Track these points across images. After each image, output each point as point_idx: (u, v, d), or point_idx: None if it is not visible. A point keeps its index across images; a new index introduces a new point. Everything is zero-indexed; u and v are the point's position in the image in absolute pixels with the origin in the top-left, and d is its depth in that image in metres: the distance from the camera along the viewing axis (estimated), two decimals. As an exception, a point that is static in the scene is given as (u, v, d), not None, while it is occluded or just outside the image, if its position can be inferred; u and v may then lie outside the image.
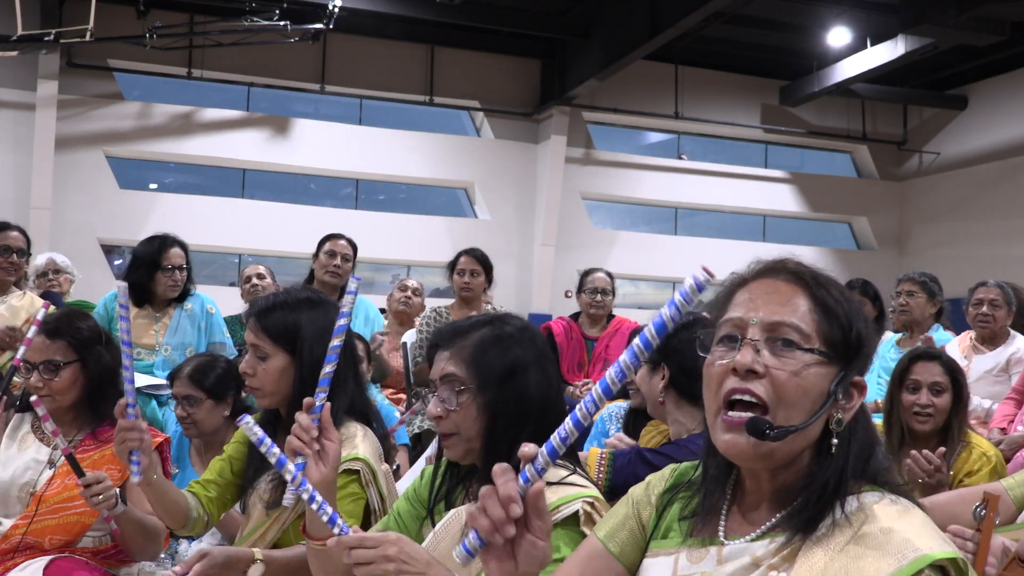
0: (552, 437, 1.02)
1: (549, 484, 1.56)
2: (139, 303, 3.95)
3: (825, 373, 1.14)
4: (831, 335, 1.15)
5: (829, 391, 1.14)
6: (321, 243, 4.66)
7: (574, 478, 1.60)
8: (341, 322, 1.61)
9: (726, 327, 1.20)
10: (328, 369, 1.62)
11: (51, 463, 2.43)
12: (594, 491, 1.59)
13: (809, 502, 1.13)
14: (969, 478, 2.75)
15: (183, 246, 4.05)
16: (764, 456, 1.14)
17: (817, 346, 1.14)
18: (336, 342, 1.64)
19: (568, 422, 1.04)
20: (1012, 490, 2.40)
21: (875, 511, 1.11)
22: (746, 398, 1.14)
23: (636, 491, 1.35)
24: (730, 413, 1.15)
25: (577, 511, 1.53)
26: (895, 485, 1.17)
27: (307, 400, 1.60)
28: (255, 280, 4.92)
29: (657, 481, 1.34)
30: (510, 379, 1.62)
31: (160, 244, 3.97)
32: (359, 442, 2.06)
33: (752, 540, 1.16)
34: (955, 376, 2.89)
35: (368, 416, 2.16)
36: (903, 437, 2.90)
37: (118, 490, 2.23)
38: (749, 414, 1.13)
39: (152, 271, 3.94)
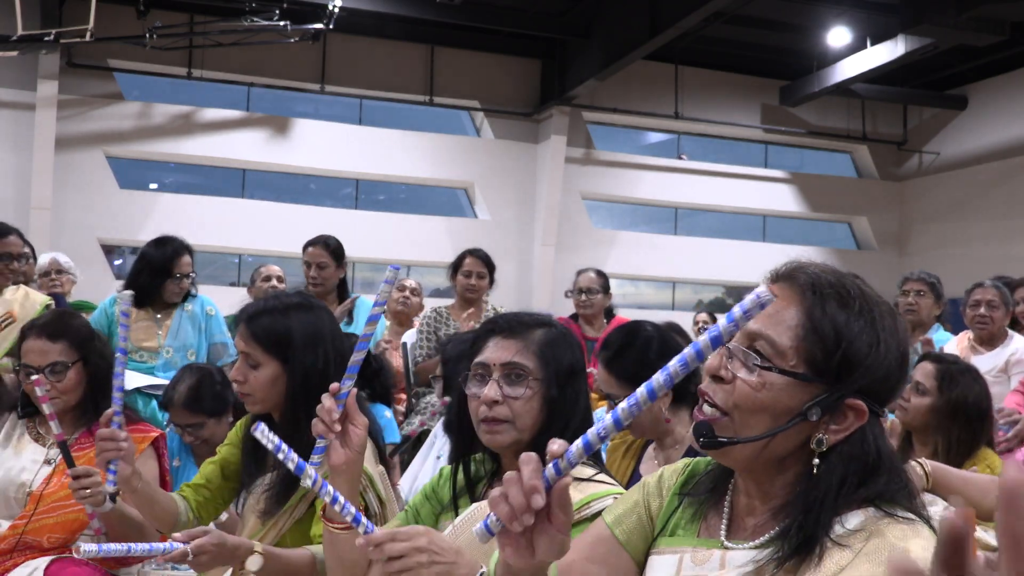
0: (590, 432, 1.01)
1: (577, 480, 1.58)
2: (140, 304, 3.94)
3: (796, 391, 1.11)
4: (811, 353, 1.12)
5: (802, 410, 1.11)
6: (303, 251, 4.54)
7: (602, 476, 1.62)
8: (375, 310, 1.57)
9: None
10: (357, 357, 1.58)
11: (48, 462, 2.44)
12: (621, 490, 1.61)
13: (798, 522, 1.10)
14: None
15: (191, 252, 4.05)
16: (720, 456, 1.17)
17: (791, 364, 1.12)
18: (368, 330, 1.59)
19: (609, 418, 1.02)
20: None
21: (881, 528, 1.08)
22: (707, 399, 1.16)
23: (650, 480, 1.35)
24: (696, 410, 1.18)
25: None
26: (911, 505, 1.12)
27: (333, 385, 1.58)
28: (275, 282, 4.92)
29: (670, 474, 1.34)
30: (572, 380, 1.66)
31: (173, 252, 3.95)
32: None
33: (754, 547, 1.15)
34: (943, 384, 2.82)
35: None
36: (908, 434, 2.91)
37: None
38: (712, 412, 1.15)
39: (163, 278, 3.93)
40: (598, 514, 1.49)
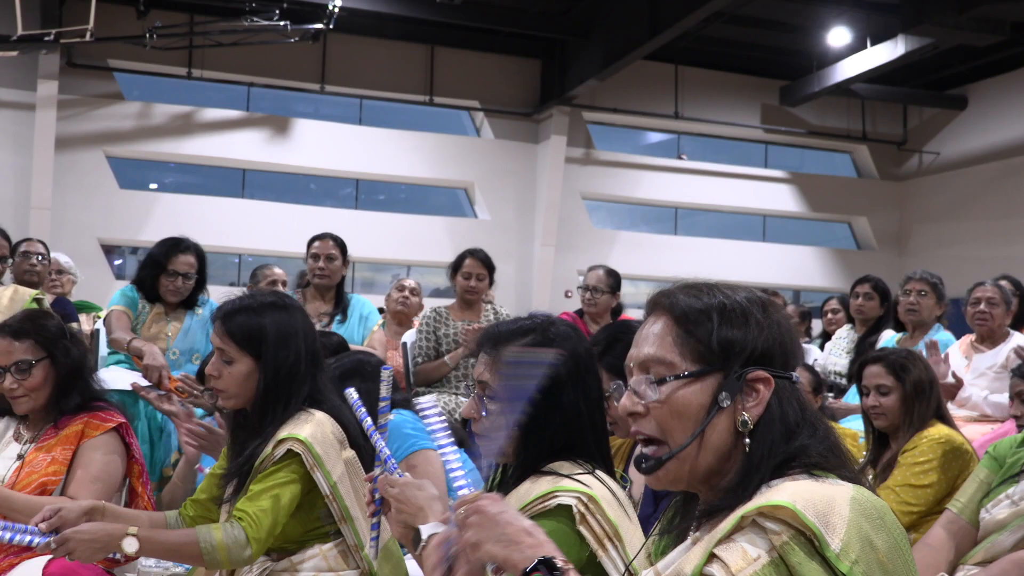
0: None
1: (558, 475, 1.61)
2: (151, 300, 3.94)
3: (700, 388, 1.20)
4: (696, 351, 1.21)
5: (714, 401, 1.19)
6: (308, 246, 4.64)
7: (586, 478, 1.62)
8: (382, 404, 1.72)
9: (627, 372, 1.29)
10: (382, 450, 1.72)
11: (20, 457, 2.48)
12: (595, 492, 1.59)
13: (731, 491, 1.17)
14: (904, 454, 2.91)
15: (198, 255, 3.98)
16: (675, 481, 1.22)
17: (683, 368, 1.20)
18: (382, 420, 1.74)
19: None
20: (963, 512, 2.45)
21: (784, 483, 1.14)
22: (641, 436, 1.24)
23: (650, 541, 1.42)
24: (637, 451, 1.25)
25: (571, 507, 1.55)
26: (832, 465, 1.18)
27: (367, 476, 1.76)
28: (280, 287, 4.94)
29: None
30: (542, 395, 1.60)
31: (170, 248, 3.93)
32: (305, 425, 2.08)
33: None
34: (899, 374, 3.00)
35: (331, 409, 2.16)
36: (878, 437, 3.08)
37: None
38: (651, 448, 1.22)
39: (157, 272, 3.91)
40: (560, 507, 1.55)
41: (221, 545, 1.97)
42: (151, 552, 2.00)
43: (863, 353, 4.66)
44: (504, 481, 1.73)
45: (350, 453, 2.15)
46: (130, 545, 1.91)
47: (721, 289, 1.26)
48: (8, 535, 1.98)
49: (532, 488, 1.61)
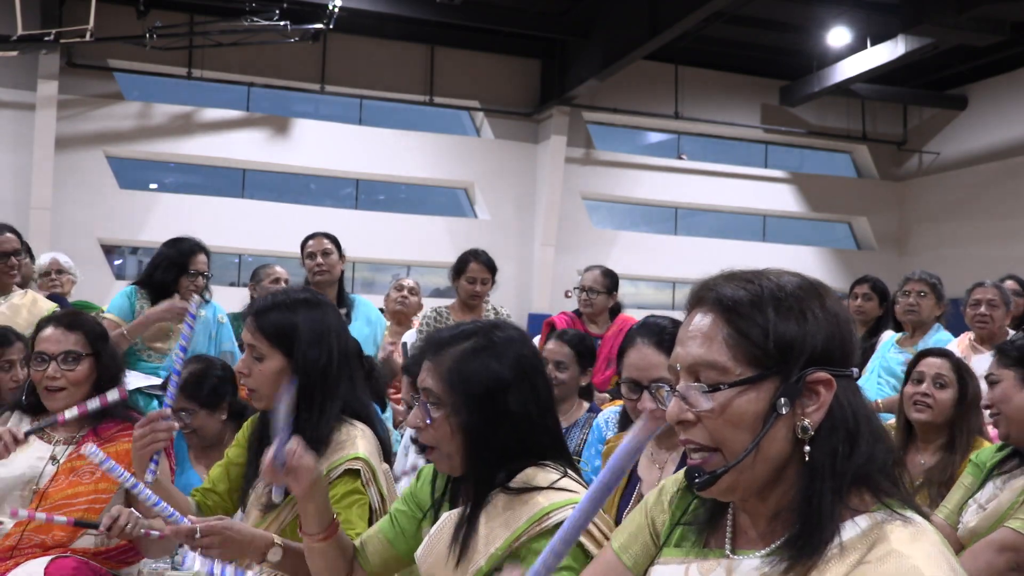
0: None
1: (540, 489, 1.56)
2: (155, 302, 3.96)
3: (757, 395, 1.10)
4: (751, 354, 1.10)
5: (771, 408, 1.09)
6: (302, 248, 4.63)
7: (565, 482, 1.58)
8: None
9: (671, 372, 1.19)
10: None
11: (53, 459, 2.44)
12: (580, 498, 1.58)
13: (806, 524, 1.08)
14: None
15: (207, 253, 4.07)
16: (727, 491, 1.13)
17: (738, 375, 1.10)
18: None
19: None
20: (949, 519, 2.45)
21: (886, 532, 1.05)
22: (691, 447, 1.14)
23: (650, 498, 1.33)
24: (687, 460, 1.16)
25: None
26: (903, 496, 1.11)
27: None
28: (283, 285, 4.93)
29: (671, 485, 1.33)
30: (488, 399, 1.57)
31: (189, 249, 3.99)
32: (359, 441, 2.05)
33: (761, 557, 1.13)
34: (963, 375, 2.89)
35: (364, 417, 2.14)
36: (908, 433, 2.93)
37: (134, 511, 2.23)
38: (702, 456, 1.13)
39: (177, 274, 3.96)
40: (558, 525, 1.46)
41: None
42: (287, 563, 1.90)
43: (864, 355, 4.67)
44: (455, 497, 1.69)
45: (385, 466, 2.13)
46: (275, 555, 1.84)
47: (769, 276, 1.16)
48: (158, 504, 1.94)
49: (519, 510, 1.55)
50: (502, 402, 1.58)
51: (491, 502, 1.58)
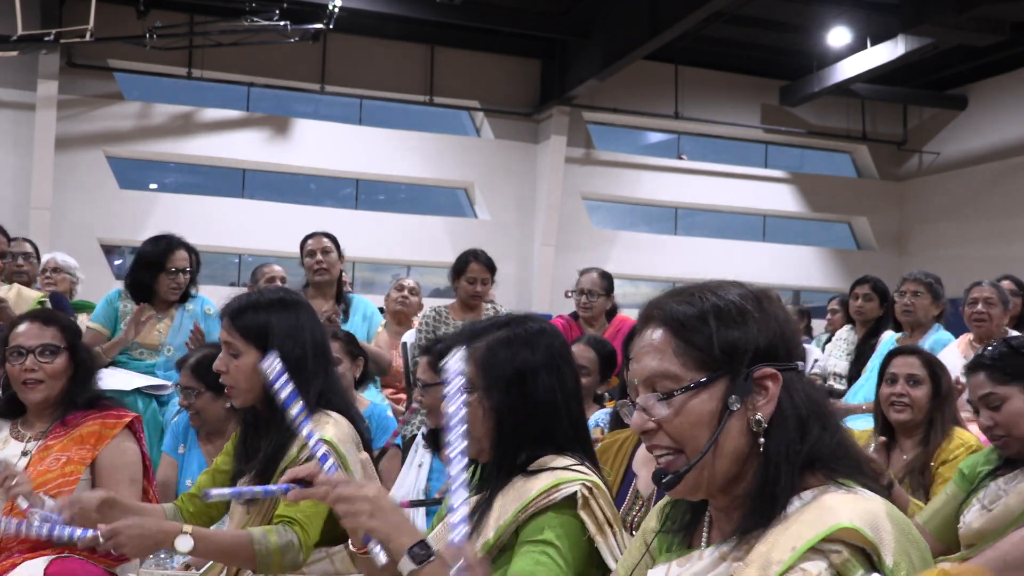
0: None
1: (552, 469, 1.62)
2: (140, 301, 3.96)
3: (709, 396, 1.19)
4: (699, 360, 1.19)
5: (724, 406, 1.18)
6: (301, 247, 4.65)
7: (580, 468, 1.63)
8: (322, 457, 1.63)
9: (630, 388, 1.30)
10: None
11: (25, 454, 2.46)
12: (595, 478, 1.63)
13: (758, 505, 1.17)
14: (944, 466, 2.81)
15: (189, 249, 4.06)
16: (694, 489, 1.21)
17: (689, 379, 1.19)
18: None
19: None
20: (927, 524, 2.44)
21: (824, 499, 1.14)
22: (658, 452, 1.23)
23: (646, 524, 1.41)
24: (656, 465, 1.25)
25: (575, 493, 1.57)
26: (858, 473, 1.18)
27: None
28: (279, 283, 4.94)
29: (660, 504, 1.41)
30: (518, 381, 1.66)
31: (166, 246, 3.99)
32: (328, 427, 2.08)
33: (726, 544, 1.22)
34: (934, 370, 2.95)
35: (342, 410, 2.17)
36: (888, 433, 2.98)
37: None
38: (667, 459, 1.22)
39: (156, 272, 3.95)
40: (567, 498, 1.55)
41: (276, 549, 1.93)
42: (203, 552, 1.95)
43: (864, 355, 4.67)
44: (482, 481, 1.73)
45: (364, 455, 2.16)
46: (184, 544, 1.86)
47: (712, 290, 1.25)
48: (46, 529, 1.93)
49: (530, 484, 1.61)
50: (531, 386, 1.66)
51: (509, 483, 1.65)
